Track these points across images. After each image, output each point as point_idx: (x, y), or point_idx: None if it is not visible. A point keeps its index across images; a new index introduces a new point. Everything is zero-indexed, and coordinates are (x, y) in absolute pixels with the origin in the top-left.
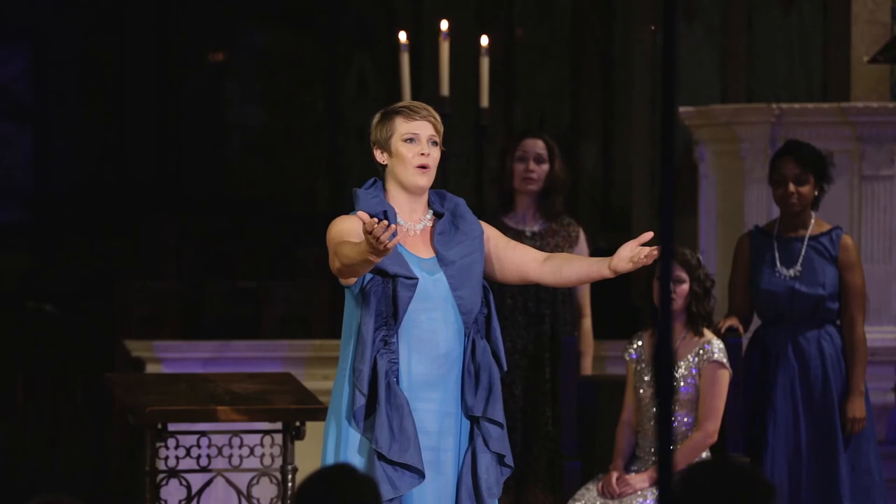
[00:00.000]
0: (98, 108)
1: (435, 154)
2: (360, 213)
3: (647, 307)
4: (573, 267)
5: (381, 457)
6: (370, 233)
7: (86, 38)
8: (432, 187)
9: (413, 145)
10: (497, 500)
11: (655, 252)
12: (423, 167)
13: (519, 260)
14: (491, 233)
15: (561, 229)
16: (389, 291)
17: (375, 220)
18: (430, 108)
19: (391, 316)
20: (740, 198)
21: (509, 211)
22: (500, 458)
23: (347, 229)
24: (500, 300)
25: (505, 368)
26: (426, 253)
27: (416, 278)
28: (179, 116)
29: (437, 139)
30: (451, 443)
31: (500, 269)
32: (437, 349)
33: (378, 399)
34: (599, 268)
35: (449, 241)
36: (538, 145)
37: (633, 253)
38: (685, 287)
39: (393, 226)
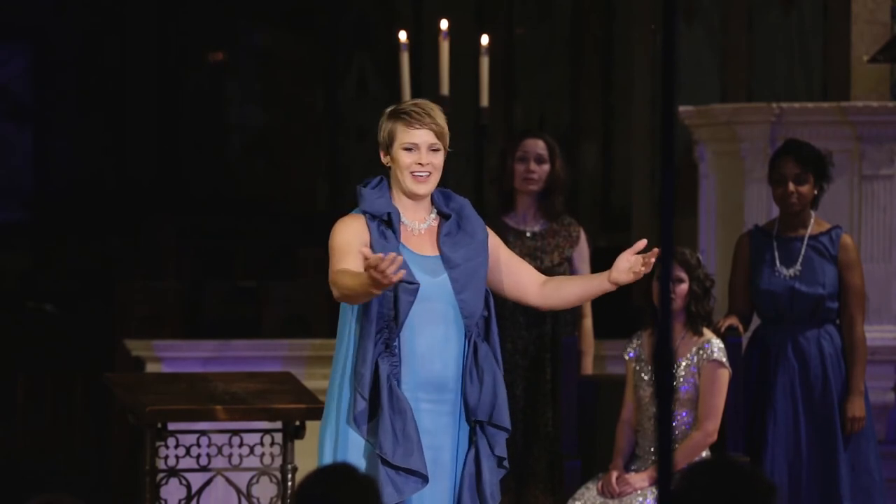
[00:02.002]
0: (98, 108)
1: (436, 160)
2: (363, 249)
3: (646, 307)
4: (573, 286)
5: (385, 461)
6: (374, 267)
7: (86, 38)
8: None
9: (411, 154)
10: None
11: (652, 259)
12: (419, 175)
13: (522, 280)
14: (495, 241)
15: (562, 229)
16: (391, 295)
17: (381, 255)
18: (433, 112)
19: (392, 320)
20: (740, 197)
21: (510, 211)
22: (499, 462)
23: (348, 242)
24: (501, 300)
25: (501, 372)
26: (430, 252)
27: (418, 283)
28: (179, 116)
29: (440, 144)
30: (448, 443)
31: (501, 281)
32: (436, 350)
33: (381, 404)
34: (600, 282)
35: (455, 243)
36: (539, 145)
37: (631, 263)
38: (684, 287)
39: (399, 257)
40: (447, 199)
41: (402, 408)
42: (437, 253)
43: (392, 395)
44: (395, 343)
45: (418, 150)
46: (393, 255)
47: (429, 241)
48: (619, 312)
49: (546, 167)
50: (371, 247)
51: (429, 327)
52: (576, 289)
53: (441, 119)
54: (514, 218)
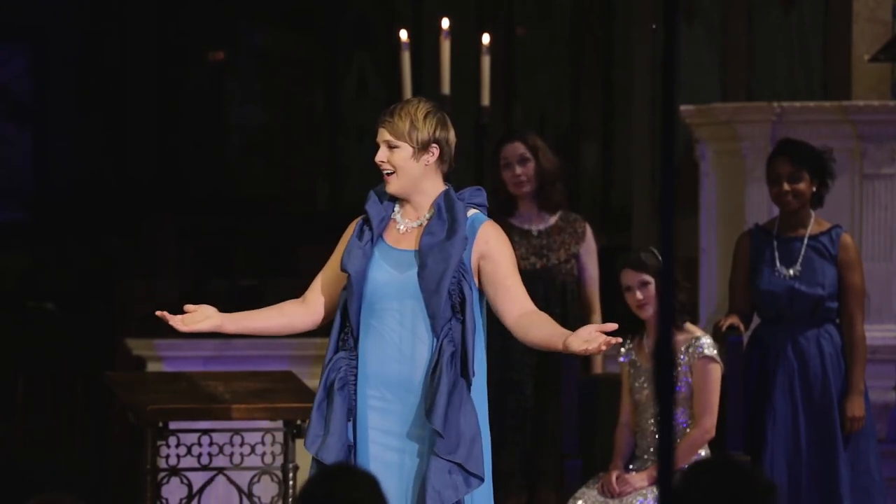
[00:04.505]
0: (98, 108)
1: (394, 158)
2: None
3: (626, 319)
4: (538, 331)
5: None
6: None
7: (86, 38)
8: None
9: (378, 153)
10: None
11: (604, 347)
12: (384, 174)
13: (505, 303)
14: (499, 257)
15: (567, 226)
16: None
17: (165, 313)
18: (398, 109)
19: (348, 315)
20: (741, 197)
21: (513, 213)
22: (459, 467)
23: (328, 261)
24: None
25: (471, 378)
26: (407, 246)
27: (349, 273)
28: (179, 116)
29: (399, 141)
30: (417, 448)
31: (489, 295)
32: (398, 347)
33: (317, 397)
34: (557, 340)
35: (431, 243)
36: (518, 148)
37: (591, 338)
38: (652, 287)
39: (164, 315)
40: (448, 202)
41: (331, 399)
42: (415, 248)
43: (328, 389)
44: (351, 338)
45: (378, 149)
46: (166, 315)
47: (415, 237)
48: (620, 311)
49: (531, 165)
50: (348, 245)
51: (393, 325)
52: (540, 334)
53: (403, 117)
54: (518, 218)
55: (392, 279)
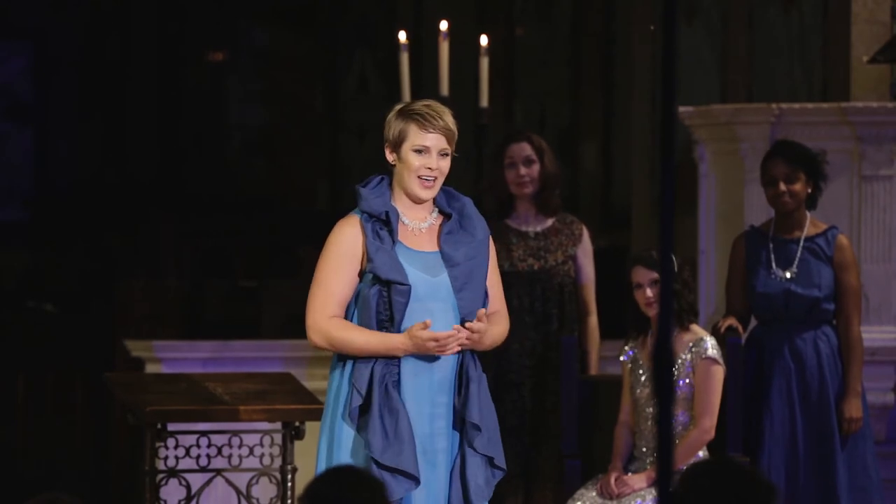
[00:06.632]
0: (98, 107)
1: (444, 165)
2: (415, 333)
3: (631, 317)
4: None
5: (376, 462)
6: (433, 339)
7: (86, 38)
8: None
9: (422, 157)
10: (487, 502)
11: (464, 332)
12: (426, 180)
13: None
14: (492, 256)
15: (564, 227)
16: (387, 297)
17: (444, 333)
18: (445, 115)
19: (388, 321)
20: (740, 197)
21: (510, 213)
22: (489, 461)
23: (340, 266)
24: (506, 301)
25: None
26: (429, 248)
27: (409, 285)
28: (179, 116)
29: (450, 150)
30: (443, 444)
31: None
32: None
33: (372, 402)
34: None
35: (456, 241)
36: (525, 149)
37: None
38: None
39: (461, 333)
40: (449, 198)
41: (394, 407)
42: (435, 248)
43: (385, 395)
44: None
45: (429, 154)
46: (453, 332)
47: (429, 239)
48: (620, 312)
49: (536, 167)
50: (365, 248)
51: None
52: None
53: (452, 123)
54: (515, 219)
55: (424, 282)
